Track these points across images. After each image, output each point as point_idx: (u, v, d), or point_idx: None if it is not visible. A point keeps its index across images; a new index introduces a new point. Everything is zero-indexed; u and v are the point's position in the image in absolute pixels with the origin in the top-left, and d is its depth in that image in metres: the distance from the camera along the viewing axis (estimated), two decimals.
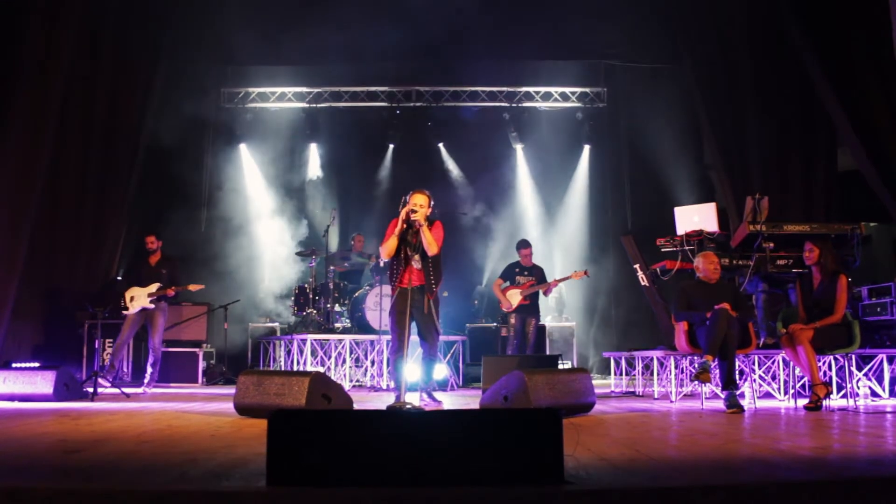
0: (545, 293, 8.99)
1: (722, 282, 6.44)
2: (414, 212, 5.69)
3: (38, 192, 8.08)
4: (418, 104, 11.84)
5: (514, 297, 8.68)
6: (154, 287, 7.89)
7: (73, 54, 8.32)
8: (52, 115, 8.10)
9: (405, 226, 5.78)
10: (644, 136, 11.25)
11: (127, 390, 7.26)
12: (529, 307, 8.76)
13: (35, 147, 7.98)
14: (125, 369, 9.18)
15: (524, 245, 9.01)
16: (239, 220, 11.33)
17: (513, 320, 8.77)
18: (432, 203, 5.89)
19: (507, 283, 8.79)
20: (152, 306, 7.92)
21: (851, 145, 7.91)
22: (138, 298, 7.90)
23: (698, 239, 7.43)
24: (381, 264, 8.65)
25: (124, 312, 7.99)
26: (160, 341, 8.05)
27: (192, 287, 8.18)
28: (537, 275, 8.85)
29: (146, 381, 7.90)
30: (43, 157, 8.08)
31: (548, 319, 10.41)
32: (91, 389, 6.57)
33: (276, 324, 10.36)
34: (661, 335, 8.44)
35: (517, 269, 8.85)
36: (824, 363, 6.27)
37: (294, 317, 9.71)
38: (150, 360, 7.98)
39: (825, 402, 5.68)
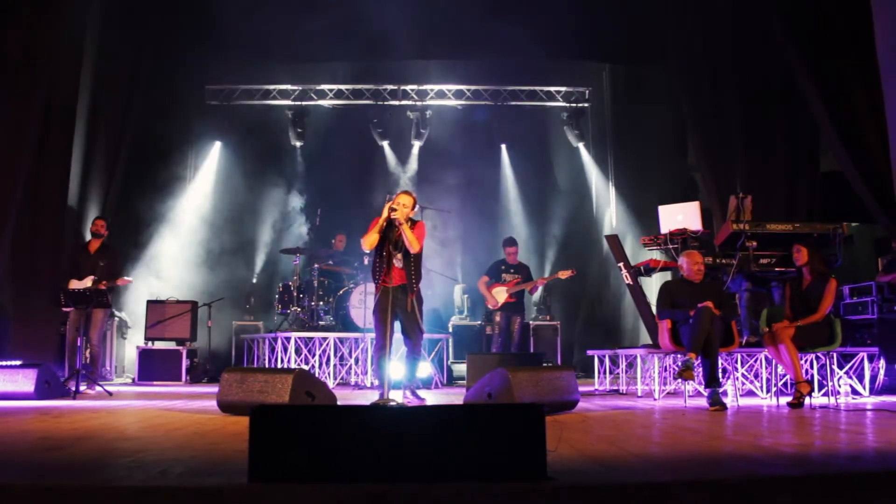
0: (531, 292, 9.00)
1: (706, 280, 6.47)
2: (394, 209, 5.72)
3: (20, 191, 7.98)
4: (404, 102, 11.84)
5: (500, 295, 8.69)
6: (89, 281, 7.51)
7: (56, 55, 8.22)
8: (35, 117, 8.01)
9: (385, 223, 5.78)
10: (628, 135, 11.30)
11: (91, 391, 7.05)
12: (515, 305, 8.77)
13: (16, 149, 7.86)
14: (108, 367, 9.13)
15: (510, 243, 9.01)
16: (223, 217, 11.27)
17: (498, 318, 8.77)
18: (417, 206, 5.97)
19: (493, 281, 8.79)
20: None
21: (834, 146, 7.97)
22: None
23: (682, 238, 7.45)
24: (366, 262, 8.62)
25: (63, 309, 7.57)
26: (98, 337, 7.64)
27: (121, 281, 7.96)
28: (523, 273, 8.87)
29: (94, 385, 7.16)
30: (25, 158, 7.97)
31: (531, 317, 10.42)
32: (73, 387, 6.51)
33: (261, 322, 10.32)
34: (645, 333, 8.46)
35: (503, 267, 8.86)
36: (806, 361, 6.33)
37: (278, 315, 9.67)
38: (88, 357, 7.62)
39: (807, 400, 5.73)
